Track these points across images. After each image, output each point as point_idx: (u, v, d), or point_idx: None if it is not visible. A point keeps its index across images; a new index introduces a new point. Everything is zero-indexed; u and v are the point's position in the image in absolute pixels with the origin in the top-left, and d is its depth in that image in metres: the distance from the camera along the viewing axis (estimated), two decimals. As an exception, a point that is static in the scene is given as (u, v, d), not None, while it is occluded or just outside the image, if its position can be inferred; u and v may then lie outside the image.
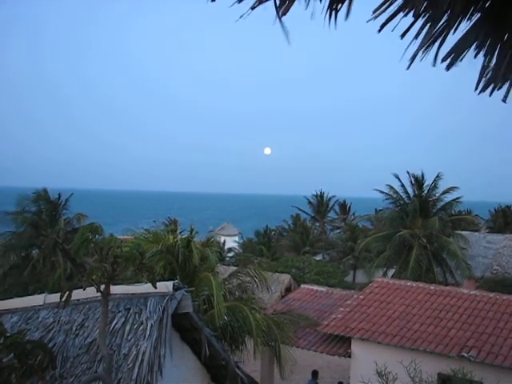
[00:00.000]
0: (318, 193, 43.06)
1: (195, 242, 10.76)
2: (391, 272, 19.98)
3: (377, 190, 21.12)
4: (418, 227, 19.48)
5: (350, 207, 45.63)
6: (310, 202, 42.61)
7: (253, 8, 1.73)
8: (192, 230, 10.88)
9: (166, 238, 10.44)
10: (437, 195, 20.11)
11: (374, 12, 1.85)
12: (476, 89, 2.01)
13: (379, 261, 20.22)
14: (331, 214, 44.18)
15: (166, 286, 6.19)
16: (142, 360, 5.07)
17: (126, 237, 11.66)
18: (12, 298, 7.40)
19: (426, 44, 1.85)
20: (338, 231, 40.50)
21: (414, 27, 1.86)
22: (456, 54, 1.88)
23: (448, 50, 1.90)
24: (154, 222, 16.06)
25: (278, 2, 1.74)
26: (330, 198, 42.90)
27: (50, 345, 5.48)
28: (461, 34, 1.89)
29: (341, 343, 11.55)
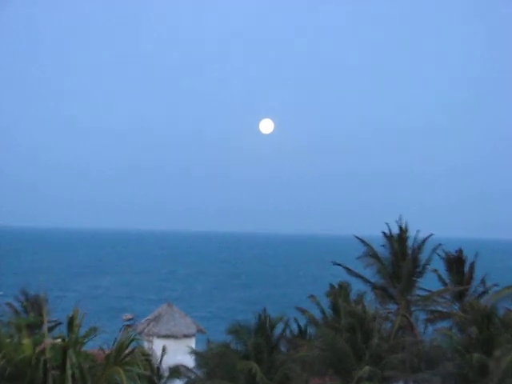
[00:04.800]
0: (395, 229, 43.36)
1: (89, 355, 10.85)
2: None
3: None
4: None
5: (473, 265, 46.41)
6: (374, 255, 42.78)
7: None
8: (74, 317, 11.10)
9: (16, 346, 10.43)
10: None
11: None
12: None
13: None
14: (427, 282, 44.35)
15: None
16: None
17: None
18: None
19: None
20: (444, 324, 41.44)
21: None
22: None
23: None
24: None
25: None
26: (424, 242, 43.16)
27: None
28: None
29: None
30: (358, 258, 43.66)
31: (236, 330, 34.50)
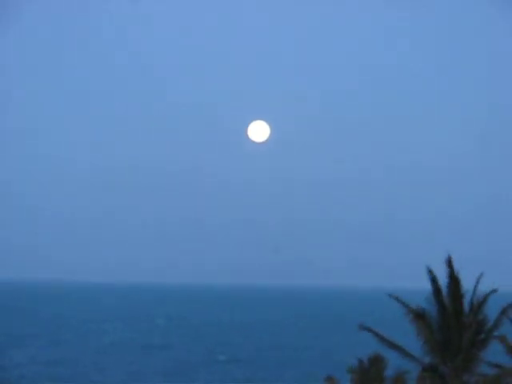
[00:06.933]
0: (443, 279, 37.00)
1: None
2: None
3: None
4: None
5: None
6: (420, 316, 36.00)
7: None
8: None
9: None
10: None
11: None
12: None
13: None
14: (488, 354, 37.81)
15: None
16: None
17: None
18: None
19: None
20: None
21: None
22: None
23: None
24: None
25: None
26: (485, 299, 37.24)
27: None
28: None
29: None
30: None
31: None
